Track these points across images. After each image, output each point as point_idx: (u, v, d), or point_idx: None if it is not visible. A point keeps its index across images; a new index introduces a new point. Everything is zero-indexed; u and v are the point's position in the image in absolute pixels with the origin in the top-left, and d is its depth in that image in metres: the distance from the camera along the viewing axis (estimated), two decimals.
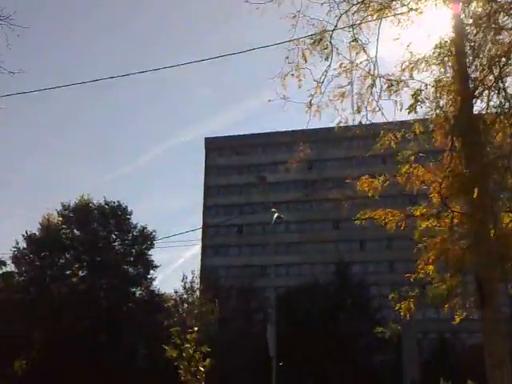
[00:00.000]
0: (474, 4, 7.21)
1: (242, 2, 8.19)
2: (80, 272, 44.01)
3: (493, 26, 6.88)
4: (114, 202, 45.57)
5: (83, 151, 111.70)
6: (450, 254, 7.78)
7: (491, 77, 7.10)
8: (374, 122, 8.24)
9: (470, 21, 7.24)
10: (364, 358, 43.85)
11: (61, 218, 44.76)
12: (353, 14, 8.02)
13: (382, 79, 7.79)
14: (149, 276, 45.16)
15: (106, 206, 45.24)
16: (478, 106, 7.43)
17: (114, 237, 45.38)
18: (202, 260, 71.47)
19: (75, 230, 44.76)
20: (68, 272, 43.65)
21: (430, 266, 8.08)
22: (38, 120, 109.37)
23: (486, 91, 7.23)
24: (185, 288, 47.19)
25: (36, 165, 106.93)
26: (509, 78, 7.17)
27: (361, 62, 7.93)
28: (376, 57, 7.90)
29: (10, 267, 43.00)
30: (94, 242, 43.16)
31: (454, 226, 7.82)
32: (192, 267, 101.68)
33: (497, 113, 7.32)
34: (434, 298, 7.98)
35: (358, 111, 8.01)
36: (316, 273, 59.43)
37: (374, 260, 65.82)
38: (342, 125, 8.19)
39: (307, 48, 8.03)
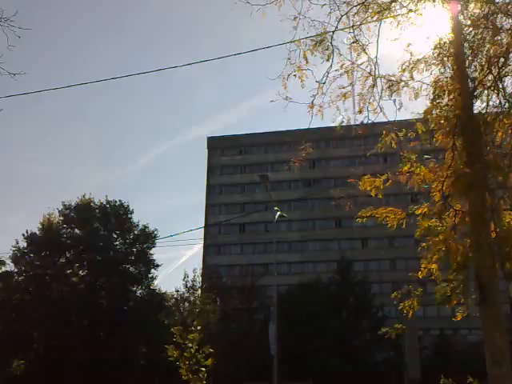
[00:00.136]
0: (472, 5, 7.30)
1: (243, 4, 8.27)
2: (80, 271, 43.91)
3: (491, 26, 6.96)
4: (116, 201, 45.55)
5: (85, 151, 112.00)
6: (453, 253, 7.84)
7: (490, 77, 7.19)
8: (375, 121, 8.33)
9: (469, 22, 7.33)
10: (365, 355, 43.92)
11: (62, 218, 44.70)
12: (353, 15, 8.11)
13: (382, 79, 7.89)
14: (150, 275, 45.16)
15: (108, 206, 45.18)
16: (478, 106, 7.54)
17: (115, 236, 45.30)
18: (204, 258, 71.61)
19: (76, 230, 44.73)
20: (68, 271, 43.51)
21: (434, 265, 8.11)
22: (39, 120, 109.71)
23: (486, 91, 7.32)
24: (186, 287, 47.30)
25: (38, 164, 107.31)
26: (508, 78, 7.27)
27: (362, 63, 8.03)
28: (376, 57, 8.00)
29: (10, 267, 43.19)
30: (95, 242, 43.04)
31: (456, 224, 7.90)
32: (194, 266, 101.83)
33: (496, 112, 7.41)
34: (440, 298, 8.00)
35: (360, 111, 8.10)
36: (318, 271, 59.52)
37: (376, 258, 65.86)
38: (343, 124, 8.28)
39: (308, 49, 8.12)
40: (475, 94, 7.37)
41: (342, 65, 8.09)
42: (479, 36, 7.13)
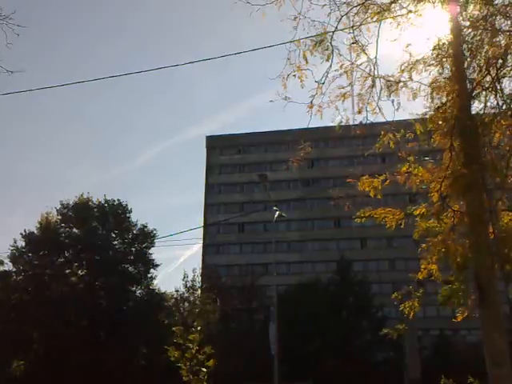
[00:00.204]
0: (471, 7, 7.34)
1: (243, 4, 8.29)
2: (79, 271, 43.72)
3: (489, 28, 7.00)
4: (114, 201, 45.42)
5: (83, 150, 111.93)
6: (452, 254, 7.86)
7: (488, 78, 7.23)
8: (374, 121, 8.36)
9: (468, 23, 7.36)
10: (366, 356, 43.97)
11: (60, 217, 44.52)
12: (353, 15, 8.14)
13: (381, 80, 7.92)
14: (149, 275, 45.04)
15: (106, 205, 45.03)
16: (476, 107, 7.57)
17: (114, 235, 45.14)
18: (203, 258, 71.61)
19: (74, 229, 44.55)
20: (67, 271, 43.31)
21: (434, 266, 8.12)
22: (37, 118, 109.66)
23: (484, 92, 7.35)
24: (186, 287, 47.27)
25: (36, 164, 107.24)
26: (505, 80, 7.31)
27: (361, 64, 8.06)
28: (376, 58, 8.03)
29: (8, 266, 42.99)
30: (94, 241, 42.89)
31: (455, 225, 7.92)
32: (193, 266, 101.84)
33: (494, 113, 7.45)
34: (442, 299, 8.00)
35: (359, 112, 8.13)
36: (317, 271, 59.56)
37: (375, 258, 65.93)
38: (342, 124, 8.31)
39: (308, 49, 8.14)
40: (473, 94, 7.40)
41: (342, 65, 8.11)
42: (478, 37, 7.17)
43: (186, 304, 46.20)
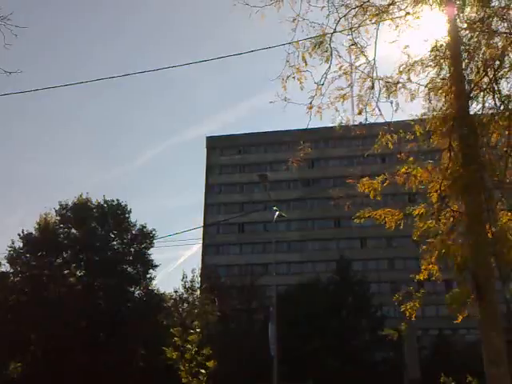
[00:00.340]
0: (468, 9, 7.41)
1: (242, 5, 8.35)
2: (78, 272, 43.45)
3: (487, 30, 7.06)
4: (113, 201, 45.23)
5: (83, 150, 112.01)
6: (452, 254, 7.90)
7: (486, 79, 7.29)
8: (374, 122, 8.41)
9: (465, 25, 7.43)
10: (365, 355, 44.02)
11: (58, 217, 44.27)
12: (351, 17, 8.20)
13: (380, 81, 7.98)
14: (148, 275, 44.78)
15: (105, 205, 44.84)
16: (474, 108, 7.63)
17: (113, 236, 44.87)
18: (202, 259, 71.66)
19: (73, 229, 44.29)
20: (65, 272, 43.03)
21: (434, 266, 8.15)
22: (37, 119, 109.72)
23: (482, 93, 7.42)
24: (185, 287, 47.22)
25: (35, 164, 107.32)
26: (503, 81, 7.38)
27: (360, 65, 8.12)
28: (374, 59, 8.09)
29: (6, 267, 42.73)
30: (92, 241, 42.69)
31: (453, 225, 7.97)
32: (193, 266, 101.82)
33: (492, 114, 7.51)
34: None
35: (359, 113, 8.19)
36: (317, 271, 59.64)
37: (375, 258, 66.02)
38: (342, 125, 8.36)
39: (307, 51, 8.20)
40: (471, 95, 7.46)
41: (341, 66, 8.17)
42: (475, 39, 7.24)
43: (185, 305, 46.15)
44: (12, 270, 42.82)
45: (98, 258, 42.72)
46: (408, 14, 7.88)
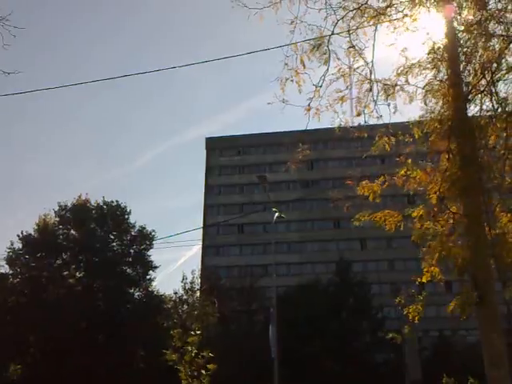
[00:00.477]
0: (465, 11, 7.43)
1: (241, 7, 8.37)
2: (77, 273, 43.26)
3: (484, 32, 7.08)
4: (112, 202, 45.12)
5: (83, 151, 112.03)
6: (452, 256, 7.90)
7: (483, 81, 7.31)
8: (373, 123, 8.43)
9: (462, 27, 7.45)
10: (366, 357, 43.98)
11: (58, 219, 44.11)
12: (349, 19, 8.22)
13: (378, 84, 8.00)
14: (148, 277, 44.63)
15: (104, 206, 44.71)
16: (472, 110, 7.65)
17: (112, 237, 44.73)
18: (202, 260, 71.62)
19: (72, 231, 44.13)
20: (65, 273, 42.83)
21: (435, 268, 8.15)
22: (37, 120, 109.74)
23: (479, 95, 7.43)
24: (185, 289, 47.20)
25: (35, 165, 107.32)
26: (500, 83, 7.39)
27: (358, 67, 8.14)
28: (373, 62, 8.11)
29: (5, 269, 42.51)
30: (92, 243, 42.53)
31: (453, 227, 7.98)
32: (193, 267, 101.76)
33: (490, 116, 7.53)
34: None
35: (358, 115, 8.21)
36: (317, 272, 59.63)
37: (375, 259, 66.00)
38: (341, 127, 8.38)
39: (305, 53, 8.22)
40: (469, 98, 7.48)
41: (340, 69, 8.20)
42: (472, 41, 7.26)
43: (185, 306, 46.10)
44: (11, 272, 42.70)
45: (98, 259, 42.59)
46: (406, 16, 7.90)
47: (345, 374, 40.04)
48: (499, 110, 7.39)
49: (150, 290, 44.82)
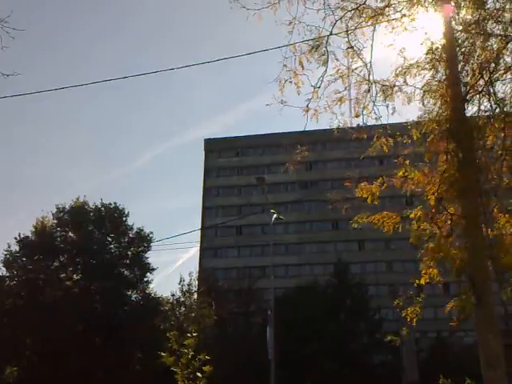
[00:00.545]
0: (463, 11, 7.41)
1: (239, 8, 8.35)
2: (74, 275, 43.14)
3: (482, 32, 7.06)
4: (110, 204, 45.02)
5: (82, 152, 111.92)
6: (450, 257, 7.88)
7: (482, 82, 7.29)
8: (372, 124, 8.42)
9: (460, 27, 7.43)
10: (363, 358, 43.95)
11: (55, 221, 43.94)
12: (348, 20, 8.20)
13: (377, 84, 7.98)
14: (145, 279, 44.46)
15: (102, 208, 44.60)
16: (470, 110, 7.63)
17: (110, 239, 44.61)
18: (200, 262, 71.52)
19: (70, 233, 43.99)
20: (62, 275, 42.65)
21: (434, 270, 8.14)
22: (36, 121, 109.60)
23: (477, 96, 7.41)
24: (182, 291, 47.12)
25: (35, 167, 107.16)
26: (498, 83, 7.38)
27: (356, 68, 8.12)
28: (371, 62, 8.10)
29: (2, 271, 42.32)
30: (89, 245, 42.42)
31: (451, 228, 7.96)
32: (191, 269, 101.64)
33: (488, 116, 7.51)
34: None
35: (357, 116, 8.19)
36: (315, 273, 59.57)
37: (373, 260, 66.00)
38: (340, 127, 8.36)
39: (303, 54, 8.19)
40: (467, 98, 7.46)
41: (338, 70, 8.18)
42: (471, 41, 7.24)
43: (183, 308, 46.03)
44: (8, 274, 42.49)
45: (95, 261, 42.46)
46: (404, 16, 7.89)
47: (342, 375, 40.00)
48: (497, 110, 7.37)
49: (147, 292, 44.62)
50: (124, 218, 45.15)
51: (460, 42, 7.41)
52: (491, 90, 7.33)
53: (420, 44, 7.65)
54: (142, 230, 45.01)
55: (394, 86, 7.81)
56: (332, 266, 53.65)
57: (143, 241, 44.90)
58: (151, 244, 44.93)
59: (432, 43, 7.51)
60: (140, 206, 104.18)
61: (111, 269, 42.39)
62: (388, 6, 8.00)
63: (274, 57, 8.56)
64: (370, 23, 8.16)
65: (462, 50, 7.37)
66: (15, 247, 42.59)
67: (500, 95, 7.38)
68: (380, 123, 8.26)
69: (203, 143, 79.89)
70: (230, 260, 70.57)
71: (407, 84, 7.79)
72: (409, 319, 8.37)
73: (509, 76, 7.32)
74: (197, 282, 48.91)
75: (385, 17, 8.10)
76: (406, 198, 9.48)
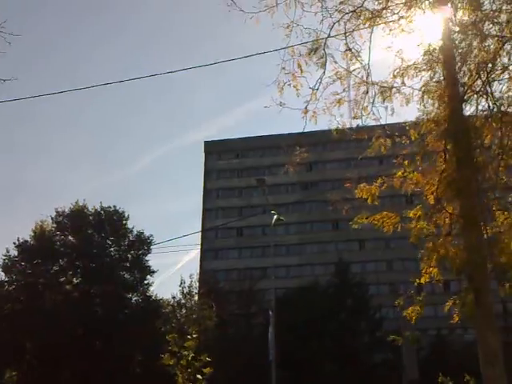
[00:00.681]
0: (460, 12, 7.50)
1: (237, 11, 8.42)
2: (74, 279, 43.09)
3: (479, 33, 7.14)
4: (110, 207, 44.99)
5: (83, 155, 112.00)
6: (450, 257, 7.94)
7: (479, 82, 7.38)
8: (371, 124, 8.49)
9: (458, 28, 7.51)
10: (364, 358, 43.99)
11: (55, 225, 43.96)
12: (345, 22, 8.28)
13: (375, 86, 8.06)
14: (145, 281, 44.48)
15: (102, 212, 44.58)
16: (467, 110, 7.72)
17: (110, 242, 44.61)
18: (201, 263, 71.53)
19: (69, 237, 44.00)
20: (62, 279, 42.63)
21: (434, 269, 8.19)
22: (36, 125, 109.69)
23: (475, 95, 7.50)
24: (183, 293, 47.16)
25: (36, 170, 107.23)
26: (496, 83, 7.46)
27: (354, 70, 8.20)
28: (369, 64, 8.17)
29: (0, 276, 42.31)
30: (89, 248, 42.38)
31: (450, 227, 8.03)
32: (192, 271, 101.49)
33: (485, 116, 7.59)
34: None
35: (355, 117, 8.27)
36: (316, 273, 59.62)
37: (373, 259, 66.08)
38: (339, 129, 8.43)
39: (301, 56, 8.27)
40: (465, 98, 7.54)
41: (337, 72, 8.25)
42: (468, 42, 7.32)
43: (184, 310, 46.04)
44: (7, 279, 42.44)
45: (95, 264, 42.41)
46: (401, 17, 7.97)
47: (343, 374, 40.05)
48: (494, 109, 7.45)
49: (147, 294, 44.62)
50: (124, 221, 45.14)
51: (457, 43, 7.49)
52: (488, 90, 7.42)
53: (417, 45, 7.73)
54: (142, 233, 45.03)
55: (393, 87, 7.89)
56: (333, 266, 53.71)
57: (143, 243, 44.88)
58: (151, 247, 45.00)
59: (429, 44, 7.60)
60: (140, 209, 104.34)
61: (111, 272, 42.33)
62: (385, 8, 8.08)
63: (272, 59, 8.61)
64: (367, 25, 8.24)
65: (460, 50, 7.46)
66: (14, 252, 42.65)
67: (497, 95, 7.49)
68: (379, 123, 8.34)
69: (203, 145, 79.99)
70: (230, 261, 70.60)
71: (405, 85, 7.88)
72: (409, 318, 8.43)
73: (506, 76, 7.42)
74: (197, 284, 48.96)
75: (382, 19, 8.18)
76: (406, 197, 9.55)
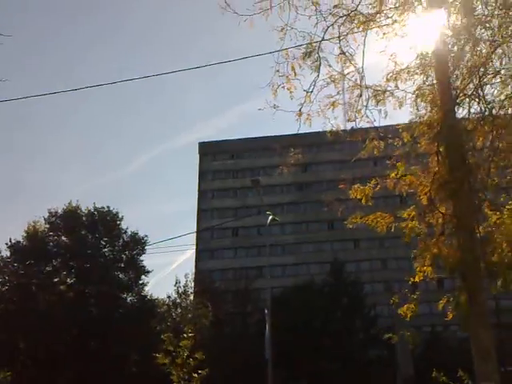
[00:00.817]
0: (453, 17, 7.62)
1: (231, 13, 8.49)
2: (68, 279, 43.00)
3: (471, 38, 7.27)
4: (104, 208, 44.90)
5: (75, 156, 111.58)
6: (443, 256, 8.06)
7: (471, 85, 7.51)
8: (365, 126, 8.60)
9: (450, 33, 7.63)
10: (359, 355, 44.20)
11: (48, 225, 43.80)
12: (339, 26, 8.38)
13: (369, 89, 8.17)
14: (140, 281, 44.48)
15: (95, 212, 44.46)
16: (460, 113, 7.85)
17: (104, 243, 44.53)
18: (196, 264, 71.53)
19: (63, 237, 43.86)
20: (55, 280, 42.51)
21: (428, 268, 8.30)
22: (28, 126, 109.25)
23: (467, 99, 7.63)
24: (178, 292, 47.18)
25: (30, 171, 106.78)
26: (488, 87, 7.60)
27: (348, 73, 8.31)
28: (363, 68, 8.28)
29: None
30: (83, 249, 42.28)
31: (444, 227, 8.15)
32: (187, 271, 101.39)
33: (477, 119, 7.73)
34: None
35: (350, 120, 8.38)
36: (312, 273, 59.84)
37: (368, 258, 66.39)
38: (333, 131, 8.53)
39: (295, 59, 8.35)
40: (457, 101, 7.67)
41: (331, 75, 8.35)
42: (460, 46, 7.44)
43: (179, 310, 46.07)
44: None
45: (89, 265, 42.26)
46: (395, 22, 8.08)
47: (338, 372, 40.25)
48: (486, 112, 7.59)
49: (142, 294, 44.60)
50: (118, 222, 45.07)
51: (450, 47, 7.61)
52: (480, 94, 7.54)
53: (410, 49, 7.85)
54: (137, 234, 44.99)
55: (386, 90, 8.01)
56: (328, 265, 53.95)
57: (138, 244, 44.86)
58: (146, 247, 45.01)
59: (422, 49, 7.72)
60: (135, 210, 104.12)
61: (106, 272, 42.20)
62: (379, 12, 8.19)
63: (266, 61, 8.69)
64: (361, 29, 8.34)
65: (452, 55, 7.58)
66: (6, 252, 42.46)
67: (489, 98, 7.62)
68: (373, 126, 8.45)
69: (197, 146, 79.97)
70: (226, 261, 70.65)
71: (398, 89, 8.01)
72: (404, 315, 8.55)
73: (497, 80, 7.55)
74: (193, 284, 49.00)
75: (376, 23, 8.29)
76: (400, 198, 9.68)
